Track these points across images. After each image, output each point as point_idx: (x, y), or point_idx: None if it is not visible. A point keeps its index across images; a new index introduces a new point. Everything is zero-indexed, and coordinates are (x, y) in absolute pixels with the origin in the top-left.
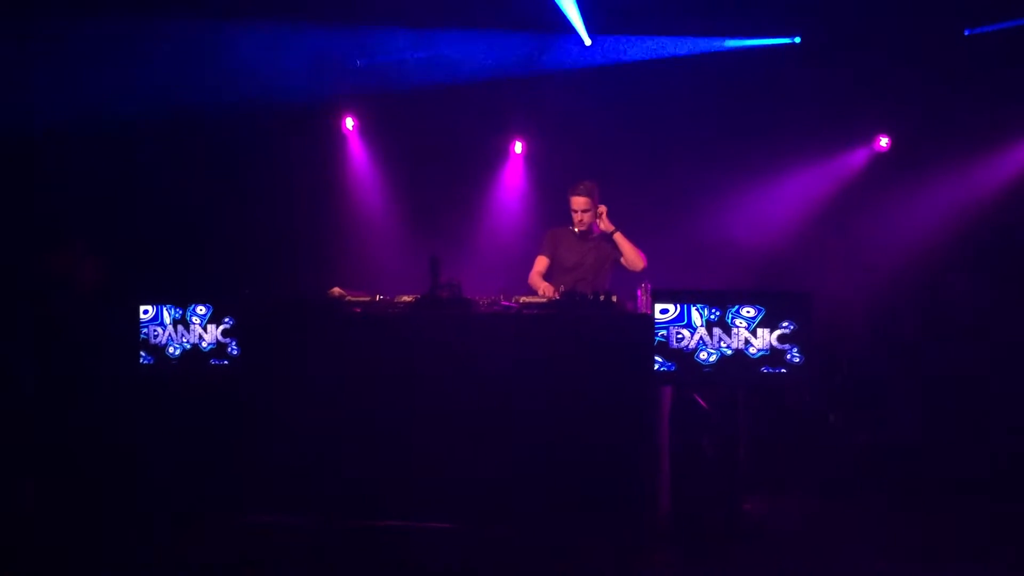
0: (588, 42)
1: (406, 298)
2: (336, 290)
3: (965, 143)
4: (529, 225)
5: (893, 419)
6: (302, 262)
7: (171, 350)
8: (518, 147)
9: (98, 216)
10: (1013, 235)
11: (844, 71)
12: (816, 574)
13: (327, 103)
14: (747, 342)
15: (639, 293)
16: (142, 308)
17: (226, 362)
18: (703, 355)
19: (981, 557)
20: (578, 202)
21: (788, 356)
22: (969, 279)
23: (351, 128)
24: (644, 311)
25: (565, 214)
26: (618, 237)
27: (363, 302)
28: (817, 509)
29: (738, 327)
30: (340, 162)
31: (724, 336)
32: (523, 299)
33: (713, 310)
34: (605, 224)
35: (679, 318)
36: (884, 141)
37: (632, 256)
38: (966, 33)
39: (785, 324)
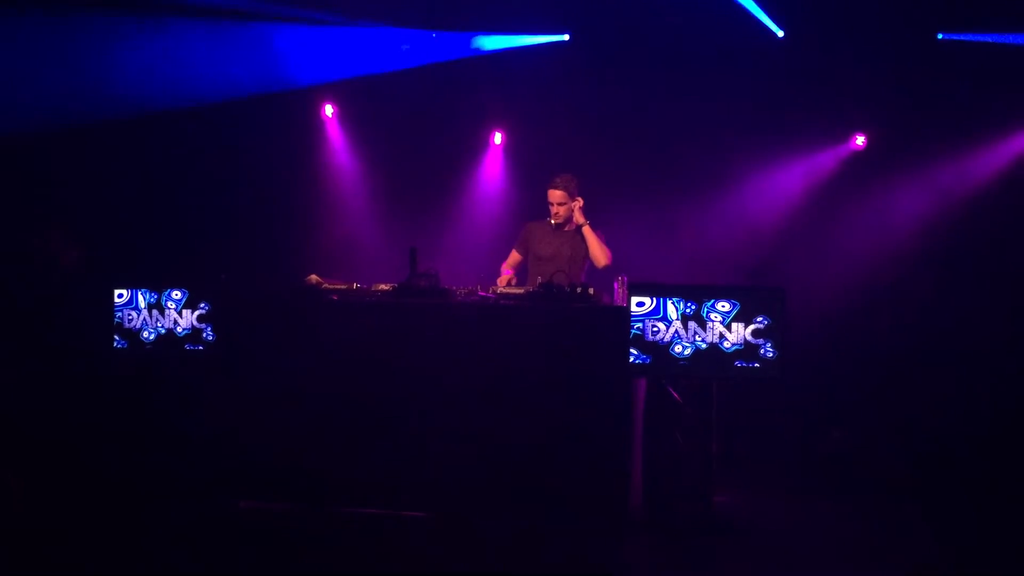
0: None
1: (383, 286)
2: (313, 277)
3: (939, 143)
4: (508, 216)
5: (866, 417)
6: (279, 249)
7: (145, 335)
8: (498, 138)
9: (73, 199)
10: (986, 234)
11: (822, 70)
12: (785, 568)
13: (306, 89)
14: (721, 336)
15: (616, 286)
16: (116, 292)
17: (201, 347)
18: (678, 348)
19: (948, 558)
20: (554, 195)
21: (762, 351)
22: (942, 277)
23: (330, 115)
24: (620, 304)
25: (544, 206)
26: (586, 230)
27: (340, 290)
28: (788, 503)
29: (713, 321)
30: (319, 149)
31: (699, 330)
32: (500, 290)
33: (689, 304)
34: (578, 216)
35: (655, 311)
36: (860, 140)
37: (596, 251)
38: (939, 37)
39: (759, 319)
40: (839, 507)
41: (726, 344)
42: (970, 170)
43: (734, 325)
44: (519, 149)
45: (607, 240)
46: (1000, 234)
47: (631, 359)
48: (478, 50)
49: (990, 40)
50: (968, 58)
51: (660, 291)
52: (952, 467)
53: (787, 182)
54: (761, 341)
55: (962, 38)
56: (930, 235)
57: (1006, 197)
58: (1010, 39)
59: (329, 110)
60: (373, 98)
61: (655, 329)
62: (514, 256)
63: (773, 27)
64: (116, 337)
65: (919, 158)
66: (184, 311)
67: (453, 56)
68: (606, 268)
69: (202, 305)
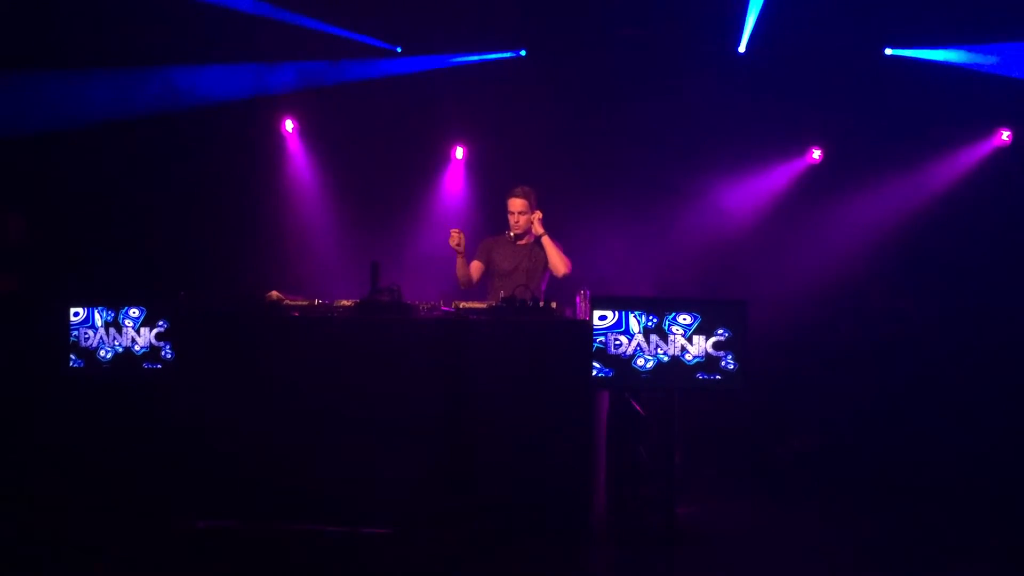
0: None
1: (345, 302)
2: (274, 294)
3: (892, 155)
4: (469, 231)
5: (827, 425)
6: (239, 265)
7: (102, 353)
8: (459, 152)
9: (27, 214)
10: (940, 242)
11: (780, 85)
12: None
13: (266, 104)
14: (683, 349)
15: (578, 300)
16: (72, 310)
17: (160, 366)
18: (640, 361)
19: (910, 560)
20: (514, 203)
21: (723, 363)
22: (899, 285)
23: (290, 130)
24: (583, 318)
25: (504, 221)
26: (545, 240)
27: (302, 306)
28: (751, 513)
29: (675, 334)
30: (279, 164)
31: (661, 343)
32: (463, 304)
33: (650, 317)
34: (536, 227)
35: (617, 325)
36: (817, 153)
37: (556, 260)
38: (886, 52)
39: (720, 331)
40: (802, 515)
41: (688, 357)
42: (923, 180)
43: (695, 338)
44: (481, 163)
45: (565, 250)
46: (954, 242)
47: (594, 372)
48: (438, 65)
49: (933, 54)
50: (914, 72)
51: (622, 304)
52: (914, 472)
53: (747, 195)
54: (722, 353)
55: (908, 53)
56: (886, 244)
57: (959, 206)
58: (952, 51)
59: (289, 125)
60: (334, 112)
61: (617, 342)
62: (476, 265)
63: (743, 39)
64: (72, 356)
65: (873, 170)
66: (142, 329)
67: (413, 70)
68: (565, 277)
69: (160, 323)
